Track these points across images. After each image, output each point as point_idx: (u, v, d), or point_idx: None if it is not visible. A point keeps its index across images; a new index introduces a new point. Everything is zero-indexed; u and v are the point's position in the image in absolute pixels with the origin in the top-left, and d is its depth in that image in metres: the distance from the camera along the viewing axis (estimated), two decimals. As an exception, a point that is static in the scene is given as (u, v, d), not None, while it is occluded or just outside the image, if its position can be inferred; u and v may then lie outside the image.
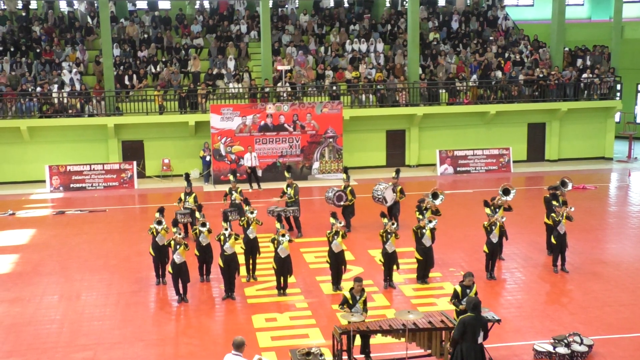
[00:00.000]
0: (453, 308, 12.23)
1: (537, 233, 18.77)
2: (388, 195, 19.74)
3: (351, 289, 11.88)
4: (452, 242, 18.35)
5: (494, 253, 15.77)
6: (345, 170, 20.59)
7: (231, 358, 9.33)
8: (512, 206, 17.05)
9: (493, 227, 15.64)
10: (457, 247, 17.92)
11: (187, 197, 18.93)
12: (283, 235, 14.71)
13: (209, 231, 15.39)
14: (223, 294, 14.80)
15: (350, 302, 11.75)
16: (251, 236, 15.75)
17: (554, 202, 16.67)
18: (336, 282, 15.16)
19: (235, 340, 9.43)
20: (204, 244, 15.56)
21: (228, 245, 14.63)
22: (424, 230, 15.28)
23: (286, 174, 20.13)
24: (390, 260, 15.16)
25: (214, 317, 13.95)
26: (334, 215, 15.39)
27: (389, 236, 15.05)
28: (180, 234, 14.69)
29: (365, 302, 11.94)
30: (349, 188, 19.54)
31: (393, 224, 15.17)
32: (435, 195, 16.86)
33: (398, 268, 15.43)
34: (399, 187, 19.70)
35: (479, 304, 10.48)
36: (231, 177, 19.99)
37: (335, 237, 14.96)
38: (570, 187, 18.02)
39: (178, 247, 14.37)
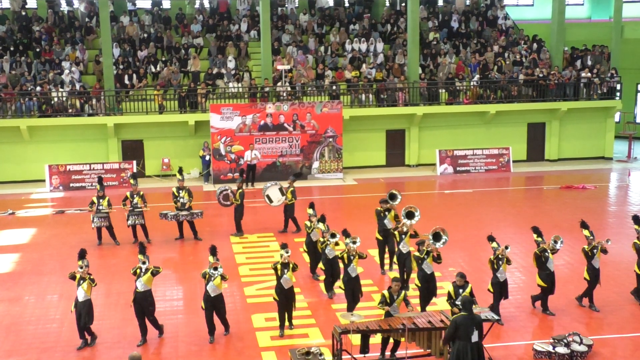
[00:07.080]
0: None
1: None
2: (273, 194, 19.13)
3: (389, 288, 11.93)
4: (452, 242, 18.12)
5: (596, 280, 13.95)
6: (241, 172, 20.41)
7: None
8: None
9: (595, 252, 13.83)
10: (456, 247, 17.89)
11: (101, 200, 18.50)
12: (215, 269, 12.34)
13: (337, 244, 13.85)
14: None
15: (388, 301, 11.80)
16: (353, 274, 13.47)
17: (636, 227, 14.44)
18: (289, 321, 13.20)
19: (132, 356, 9.66)
20: (331, 257, 14.50)
21: (142, 282, 12.59)
22: (547, 254, 13.55)
23: (178, 176, 19.35)
24: (502, 289, 13.31)
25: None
26: (284, 245, 13.25)
27: (501, 262, 13.14)
28: (83, 267, 12.47)
29: (403, 300, 11.99)
30: (240, 190, 19.20)
31: (507, 247, 13.17)
32: (437, 237, 13.54)
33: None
34: (291, 189, 19.15)
35: (471, 302, 10.55)
36: (132, 181, 19.26)
37: (285, 270, 12.77)
38: (399, 199, 16.15)
39: (82, 282, 12.39)
